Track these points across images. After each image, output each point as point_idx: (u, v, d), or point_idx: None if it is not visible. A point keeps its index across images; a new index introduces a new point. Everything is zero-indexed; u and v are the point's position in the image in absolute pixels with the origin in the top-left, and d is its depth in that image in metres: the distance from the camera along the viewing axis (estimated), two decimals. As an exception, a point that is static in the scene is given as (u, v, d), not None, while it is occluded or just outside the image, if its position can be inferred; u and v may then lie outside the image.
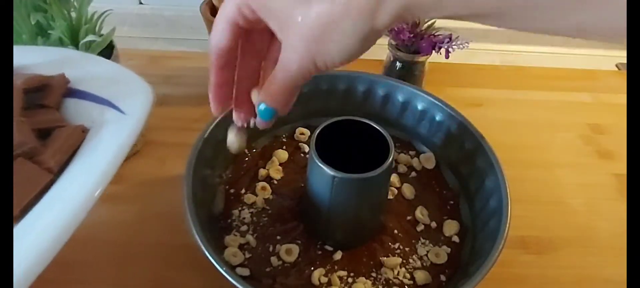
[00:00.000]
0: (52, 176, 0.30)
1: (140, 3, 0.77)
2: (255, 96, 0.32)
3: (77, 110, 0.36)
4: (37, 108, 0.35)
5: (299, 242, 0.42)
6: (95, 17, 0.50)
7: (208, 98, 0.32)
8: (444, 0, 0.23)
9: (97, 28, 0.50)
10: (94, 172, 0.28)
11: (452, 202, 0.47)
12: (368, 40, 0.25)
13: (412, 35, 0.54)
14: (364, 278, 0.40)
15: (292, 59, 0.27)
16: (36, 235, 0.26)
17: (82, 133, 0.33)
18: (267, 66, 0.32)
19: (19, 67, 0.38)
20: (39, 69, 0.38)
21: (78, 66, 0.39)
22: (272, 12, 0.26)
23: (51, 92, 0.36)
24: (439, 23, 0.55)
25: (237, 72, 0.32)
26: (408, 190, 0.47)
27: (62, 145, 0.31)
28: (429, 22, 0.55)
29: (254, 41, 0.31)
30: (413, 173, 0.49)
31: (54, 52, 0.44)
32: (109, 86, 0.36)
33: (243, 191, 0.46)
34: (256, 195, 0.45)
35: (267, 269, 0.40)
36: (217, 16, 0.29)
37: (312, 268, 0.40)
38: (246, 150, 0.49)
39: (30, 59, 0.39)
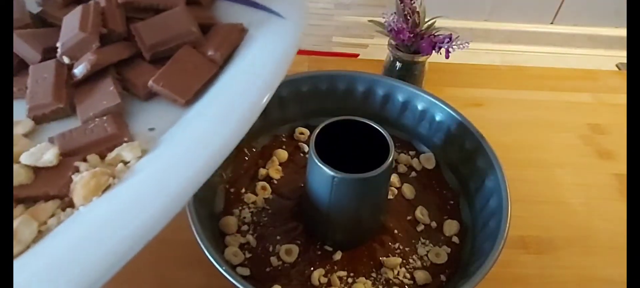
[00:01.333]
0: (217, 68, 0.29)
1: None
2: None
3: (228, 13, 0.34)
4: (192, 5, 0.34)
5: (299, 242, 0.42)
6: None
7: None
8: None
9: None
10: (266, 72, 0.27)
11: (452, 202, 0.47)
12: None
13: (412, 35, 0.54)
14: (364, 278, 0.40)
15: None
16: (220, 123, 0.25)
17: (241, 31, 0.31)
18: None
19: None
20: None
21: None
22: None
23: None
24: (439, 23, 0.55)
25: None
26: (408, 190, 0.47)
27: (224, 40, 0.30)
28: (429, 22, 0.55)
29: None
30: (413, 173, 0.49)
31: None
32: None
33: (243, 191, 0.46)
34: (256, 195, 0.45)
35: (267, 269, 0.40)
36: None
37: (312, 269, 0.40)
38: (246, 150, 0.49)
39: None
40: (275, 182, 0.47)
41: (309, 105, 0.51)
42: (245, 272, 0.39)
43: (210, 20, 0.32)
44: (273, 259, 0.40)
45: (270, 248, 0.41)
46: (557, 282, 0.46)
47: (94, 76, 0.28)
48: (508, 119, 0.62)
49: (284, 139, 0.51)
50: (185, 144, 0.25)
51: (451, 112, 0.48)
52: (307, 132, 0.51)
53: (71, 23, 0.29)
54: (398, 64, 0.58)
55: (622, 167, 0.57)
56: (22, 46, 0.29)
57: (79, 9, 0.30)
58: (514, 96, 0.66)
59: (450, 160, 0.49)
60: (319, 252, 0.41)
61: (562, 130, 0.62)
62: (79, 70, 0.28)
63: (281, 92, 0.49)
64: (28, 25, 0.31)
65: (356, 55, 0.72)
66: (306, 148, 0.50)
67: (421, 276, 0.40)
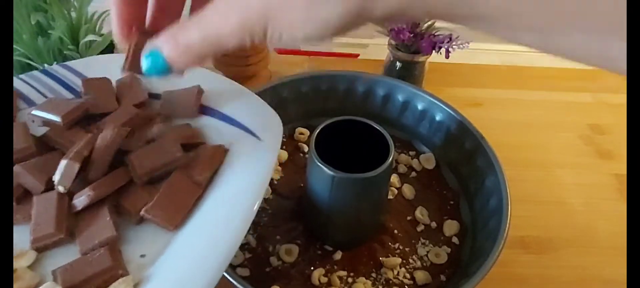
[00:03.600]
0: (202, 191, 0.32)
1: (141, 3, 0.76)
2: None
3: (210, 128, 0.37)
4: (182, 126, 0.37)
5: (299, 242, 0.42)
6: (96, 16, 0.50)
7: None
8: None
9: (97, 28, 0.50)
10: (246, 200, 0.29)
11: (452, 202, 0.47)
12: (349, 26, 0.19)
13: (412, 35, 0.54)
14: (364, 278, 0.40)
15: (225, 18, 0.20)
16: (204, 258, 0.27)
17: (223, 153, 0.34)
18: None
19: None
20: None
21: (203, 82, 0.39)
22: None
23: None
24: (439, 23, 0.55)
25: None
26: (408, 190, 0.47)
27: (207, 163, 0.33)
28: (429, 22, 0.55)
29: None
30: (413, 174, 0.49)
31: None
32: (238, 107, 0.37)
33: (243, 191, 0.46)
34: (256, 195, 0.45)
35: (267, 269, 0.40)
36: None
37: (312, 268, 0.40)
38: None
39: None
40: (275, 182, 0.47)
41: (309, 106, 0.51)
42: (245, 272, 0.39)
43: (196, 138, 0.36)
44: (273, 259, 0.40)
45: (270, 249, 0.41)
46: (557, 282, 0.46)
47: (93, 204, 0.32)
48: (508, 119, 0.62)
49: (284, 139, 0.51)
50: (173, 279, 0.27)
51: (451, 112, 0.48)
52: (307, 132, 0.51)
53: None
54: (398, 64, 0.58)
55: (622, 167, 0.57)
56: (26, 178, 0.32)
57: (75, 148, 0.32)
58: (514, 96, 0.66)
59: (450, 160, 0.49)
60: (319, 252, 0.41)
61: (562, 130, 0.62)
62: (79, 202, 0.31)
63: (282, 92, 0.49)
64: (32, 153, 0.33)
65: (356, 55, 0.72)
66: (306, 149, 0.50)
67: (421, 276, 0.40)
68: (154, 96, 0.40)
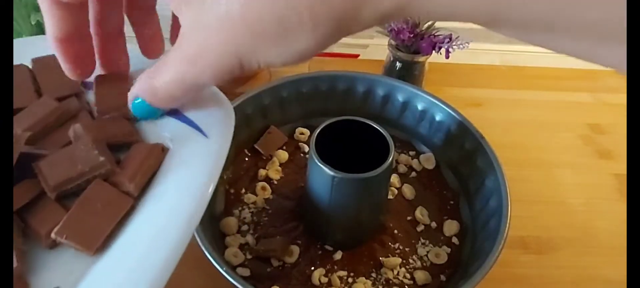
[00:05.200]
0: (133, 202, 0.26)
1: (141, 3, 0.76)
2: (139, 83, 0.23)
3: (149, 122, 0.30)
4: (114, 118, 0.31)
5: (299, 242, 0.42)
6: (96, 17, 0.50)
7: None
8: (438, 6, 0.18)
9: (97, 28, 0.50)
10: (182, 216, 0.24)
11: (452, 202, 0.47)
12: (333, 39, 0.18)
13: (412, 35, 0.54)
14: (364, 278, 0.40)
15: (205, 49, 0.19)
16: (138, 272, 0.23)
17: (161, 153, 0.28)
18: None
19: None
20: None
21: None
22: None
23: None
24: (439, 23, 0.55)
25: (96, 19, 0.24)
26: (408, 190, 0.47)
27: (141, 166, 0.27)
28: (429, 22, 0.55)
29: None
30: (413, 174, 0.49)
31: None
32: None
33: (243, 191, 0.46)
34: (256, 195, 0.45)
35: (268, 269, 0.40)
36: None
37: (312, 268, 0.40)
38: (246, 150, 0.49)
39: None
40: (276, 182, 0.47)
41: (310, 106, 0.51)
42: (246, 272, 0.39)
43: (129, 136, 0.29)
44: (273, 259, 0.40)
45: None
46: (557, 282, 0.46)
47: None
48: (508, 118, 0.62)
49: (284, 139, 0.51)
50: None
51: (451, 112, 0.48)
52: (307, 132, 0.51)
53: None
54: (398, 64, 0.58)
55: (622, 167, 0.57)
56: None
57: None
58: (514, 96, 0.66)
59: (450, 160, 0.49)
60: (319, 252, 0.41)
61: (562, 130, 0.62)
62: None
63: (282, 92, 0.49)
64: None
65: (356, 56, 0.72)
66: (306, 149, 0.50)
67: (421, 276, 0.40)
68: (87, 86, 0.32)
